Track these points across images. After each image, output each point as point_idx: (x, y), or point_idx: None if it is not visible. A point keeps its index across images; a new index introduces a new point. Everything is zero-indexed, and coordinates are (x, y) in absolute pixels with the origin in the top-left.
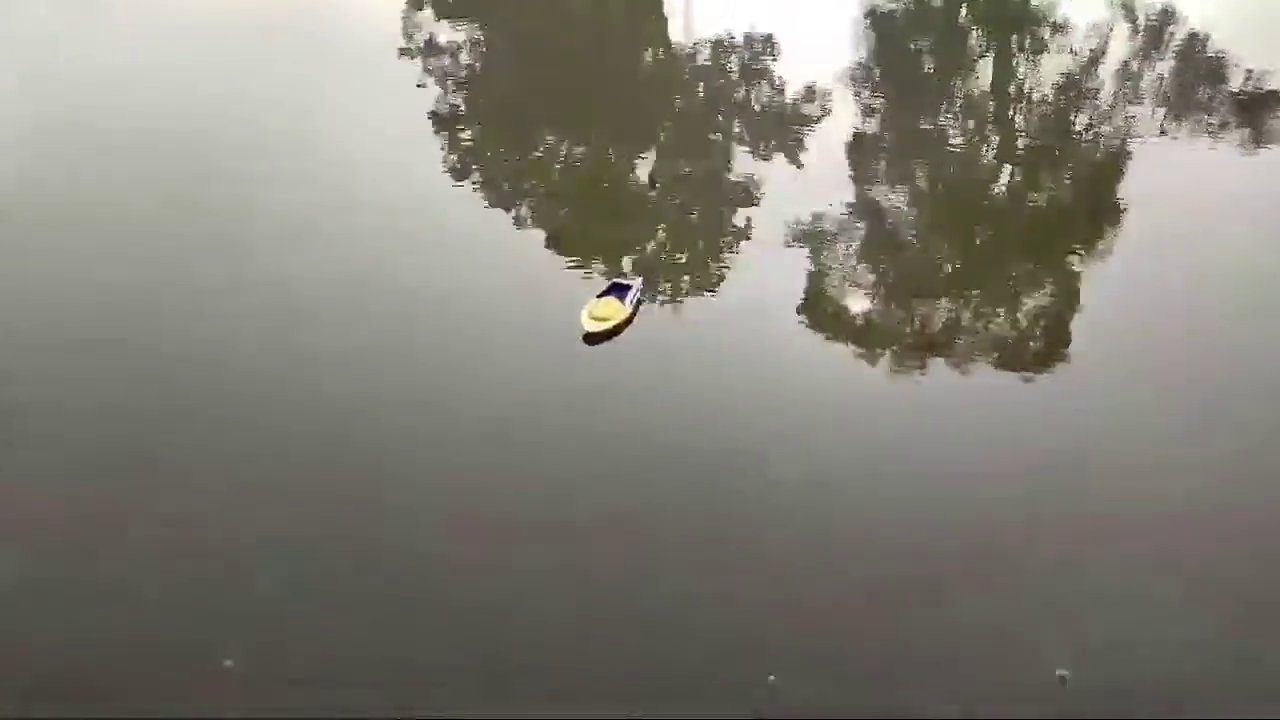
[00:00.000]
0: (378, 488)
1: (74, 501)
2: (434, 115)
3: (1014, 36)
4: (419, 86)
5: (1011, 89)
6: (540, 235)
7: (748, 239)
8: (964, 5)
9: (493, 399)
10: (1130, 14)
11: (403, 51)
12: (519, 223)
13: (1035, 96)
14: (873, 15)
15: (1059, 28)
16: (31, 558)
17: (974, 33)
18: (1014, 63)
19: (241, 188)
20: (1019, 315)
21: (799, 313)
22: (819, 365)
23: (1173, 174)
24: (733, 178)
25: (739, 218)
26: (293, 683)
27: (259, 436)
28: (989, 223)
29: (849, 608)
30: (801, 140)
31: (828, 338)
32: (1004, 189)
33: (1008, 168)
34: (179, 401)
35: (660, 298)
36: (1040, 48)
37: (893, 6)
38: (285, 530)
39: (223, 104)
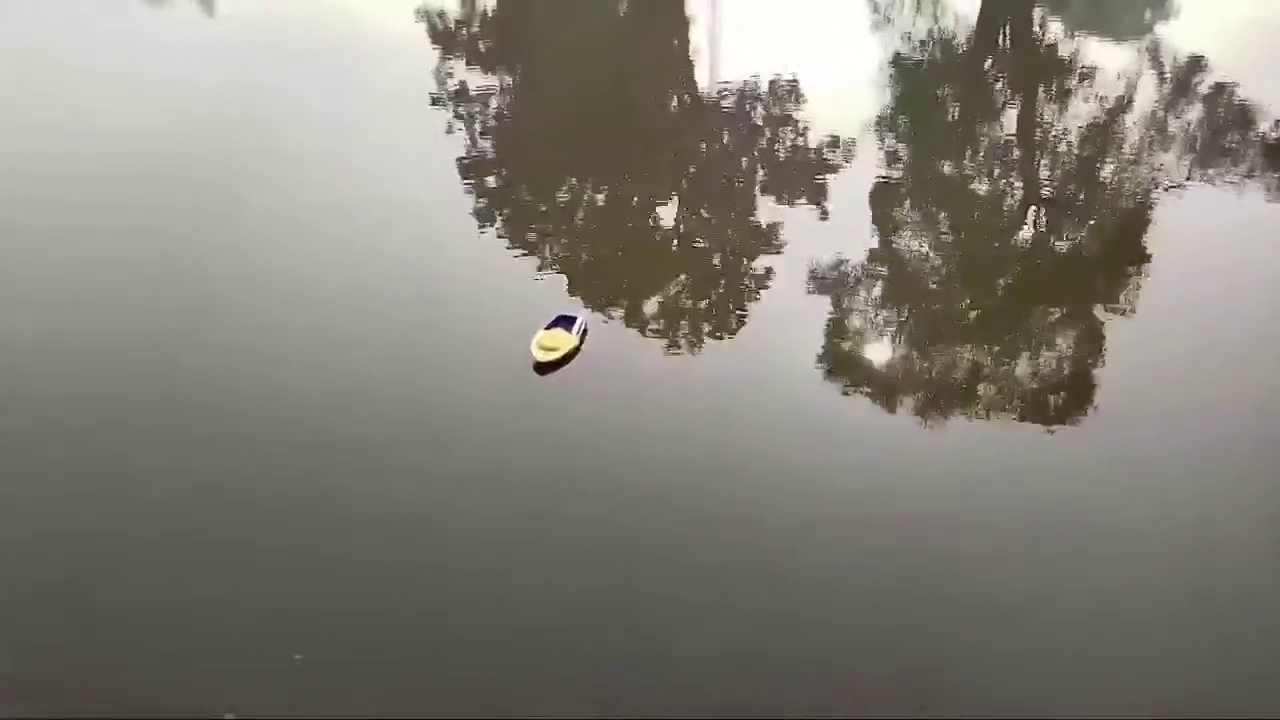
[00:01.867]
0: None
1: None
2: (459, 160)
3: (1040, 85)
4: (448, 133)
5: (1036, 136)
6: (562, 281)
7: (766, 286)
8: (989, 55)
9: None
10: (1157, 62)
11: (434, 99)
12: (543, 266)
13: (1060, 145)
14: (897, 63)
15: (1086, 75)
16: None
17: (999, 81)
18: (1039, 111)
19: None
20: (1041, 366)
21: (819, 361)
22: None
23: (1200, 222)
24: (754, 223)
25: (758, 264)
26: None
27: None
28: (1012, 272)
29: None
30: (825, 187)
31: (846, 387)
32: (1028, 237)
33: (1031, 216)
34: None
35: (615, 327)
36: (1066, 95)
37: (919, 57)
38: (221, 572)
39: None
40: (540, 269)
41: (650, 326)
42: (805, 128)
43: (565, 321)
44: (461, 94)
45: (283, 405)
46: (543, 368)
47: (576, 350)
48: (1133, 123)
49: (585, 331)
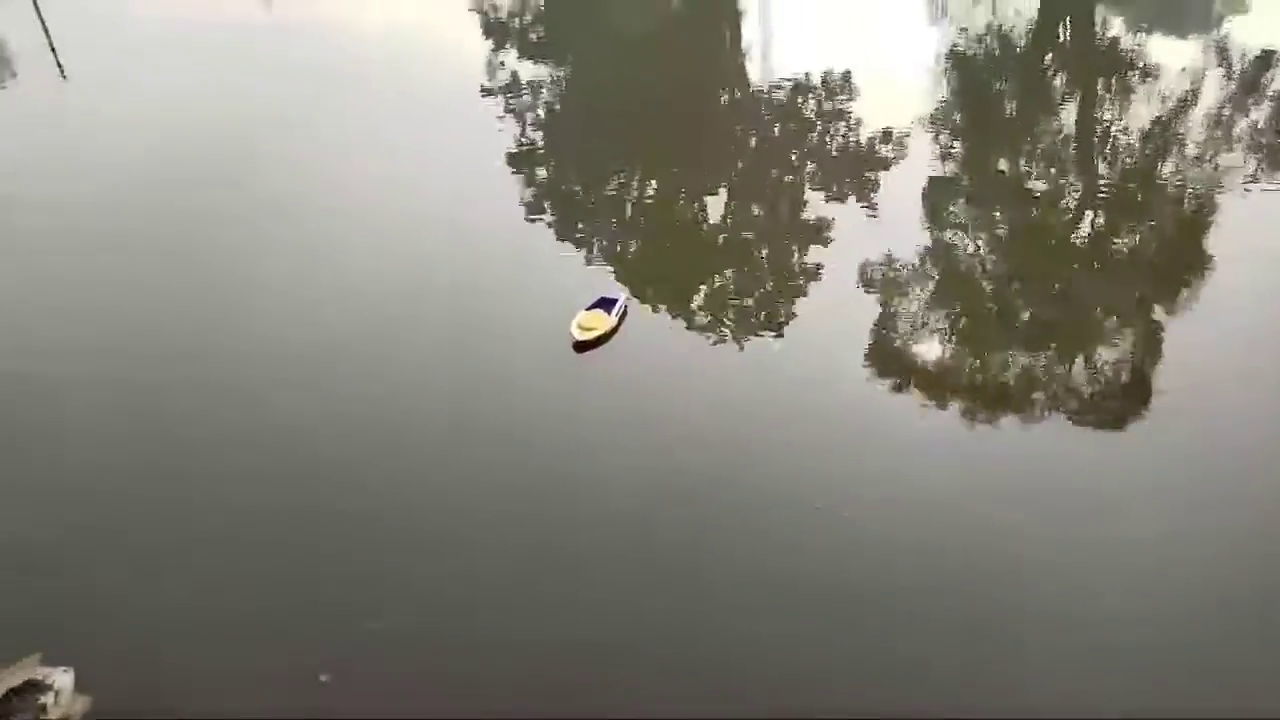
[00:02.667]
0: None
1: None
2: (509, 153)
3: (1100, 80)
4: (499, 120)
5: (1096, 134)
6: (607, 271)
7: (816, 280)
8: (1049, 49)
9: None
10: (1225, 58)
11: (485, 90)
12: (590, 259)
13: (1121, 142)
14: (954, 57)
15: (1148, 72)
16: None
17: (1059, 76)
18: (1099, 107)
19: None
20: (1097, 369)
21: (866, 358)
22: (881, 414)
23: (1266, 225)
24: (802, 217)
25: (809, 258)
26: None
27: (253, 456)
28: (1069, 271)
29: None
30: (876, 182)
31: (894, 384)
32: (1085, 237)
33: (1089, 215)
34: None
35: (649, 311)
36: (1127, 92)
37: (975, 50)
38: (274, 550)
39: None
40: (588, 256)
41: (690, 314)
42: (858, 121)
43: (606, 304)
44: (513, 86)
45: (326, 379)
46: (580, 346)
47: (614, 331)
48: (1197, 120)
49: (625, 314)
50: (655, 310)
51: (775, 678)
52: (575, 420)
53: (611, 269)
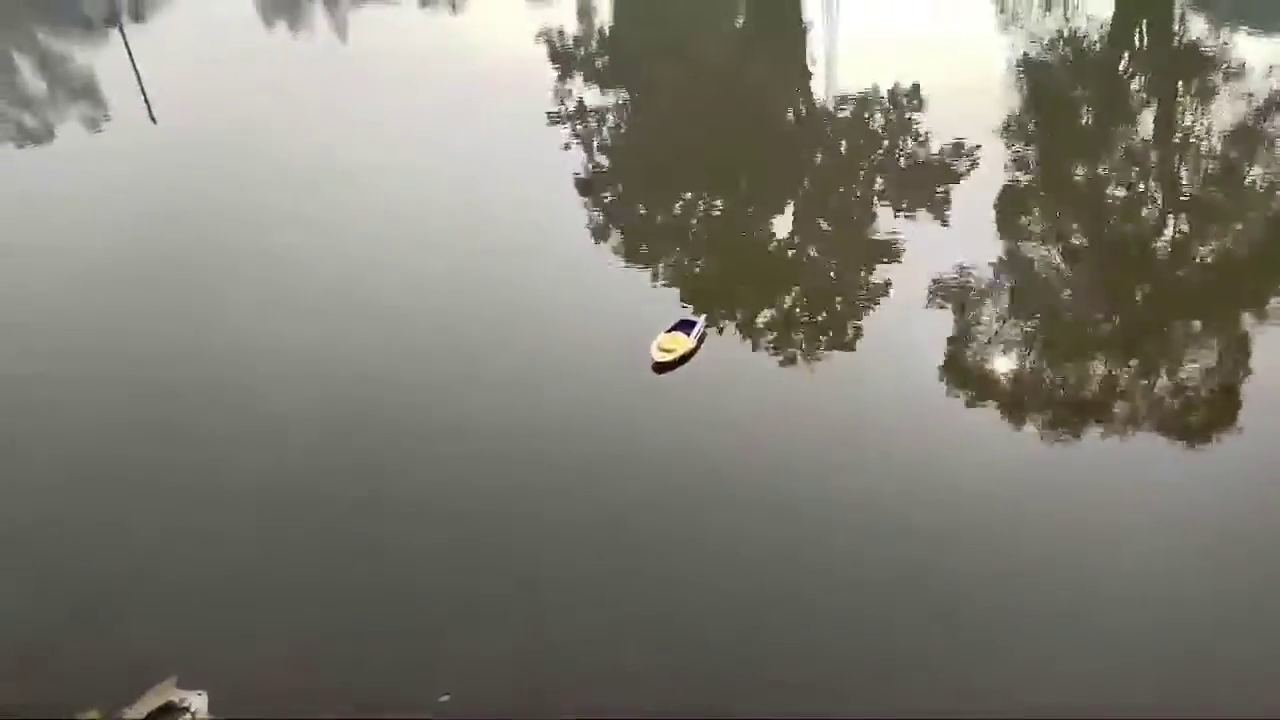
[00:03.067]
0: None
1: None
2: (577, 176)
3: (1179, 83)
4: (565, 148)
5: (1175, 139)
6: (674, 292)
7: (887, 296)
8: (1125, 52)
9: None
10: None
11: (552, 116)
12: (656, 277)
13: (1201, 147)
14: (1026, 63)
15: (1231, 73)
16: None
17: (1136, 80)
18: (1179, 111)
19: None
20: (1180, 381)
21: (941, 373)
22: (960, 428)
23: None
24: (875, 234)
25: (878, 275)
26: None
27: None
28: (1147, 281)
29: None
30: (948, 195)
31: (971, 399)
32: (1165, 245)
33: (1170, 222)
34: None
35: (728, 333)
36: (1208, 94)
37: (1048, 57)
38: (346, 566)
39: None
40: (666, 279)
41: (766, 335)
42: (928, 133)
43: (686, 326)
44: (580, 111)
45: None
46: (660, 367)
47: (693, 352)
48: None
49: (704, 336)
50: (733, 332)
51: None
52: (655, 436)
53: (687, 290)
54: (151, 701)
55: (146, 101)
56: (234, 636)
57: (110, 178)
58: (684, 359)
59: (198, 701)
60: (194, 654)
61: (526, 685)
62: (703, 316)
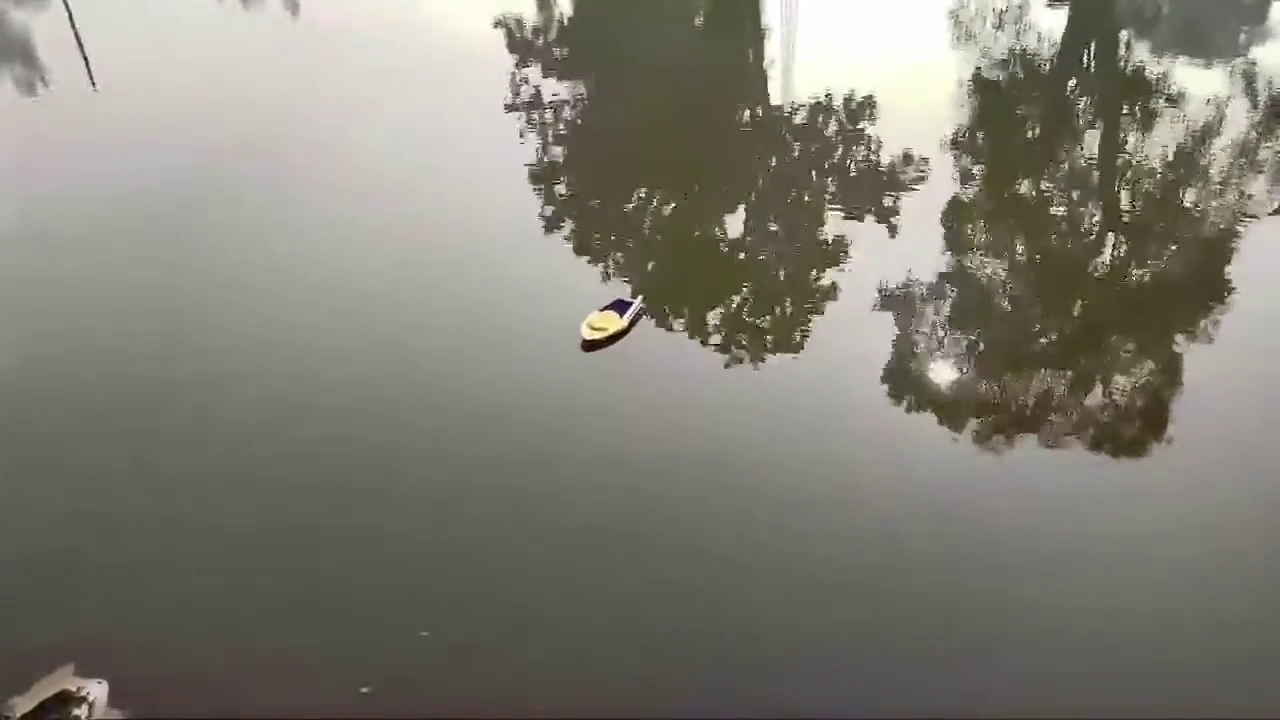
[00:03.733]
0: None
1: None
2: (529, 165)
3: (1124, 107)
4: (520, 137)
5: (1119, 161)
6: (624, 281)
7: (833, 300)
8: (1073, 75)
9: None
10: (1250, 87)
11: (508, 107)
12: (605, 277)
13: (1143, 169)
14: (977, 81)
15: (1173, 99)
16: None
17: (1082, 102)
18: (1122, 134)
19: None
20: (1113, 396)
21: (883, 379)
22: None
23: None
24: (822, 238)
25: (823, 277)
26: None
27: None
28: (1086, 297)
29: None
30: (896, 205)
31: (909, 404)
32: (1105, 263)
33: (1110, 241)
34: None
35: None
36: (1151, 120)
37: (998, 75)
38: (284, 527)
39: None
40: (606, 267)
41: (702, 325)
42: (879, 143)
43: (621, 306)
44: (535, 102)
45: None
46: (589, 345)
47: (624, 332)
48: (1221, 149)
49: (638, 318)
50: (670, 317)
51: (776, 674)
52: (574, 413)
53: (628, 279)
54: (44, 690)
55: (88, 67)
56: (140, 622)
57: (48, 143)
58: (614, 338)
59: (97, 690)
60: (95, 641)
61: (446, 675)
62: (639, 298)
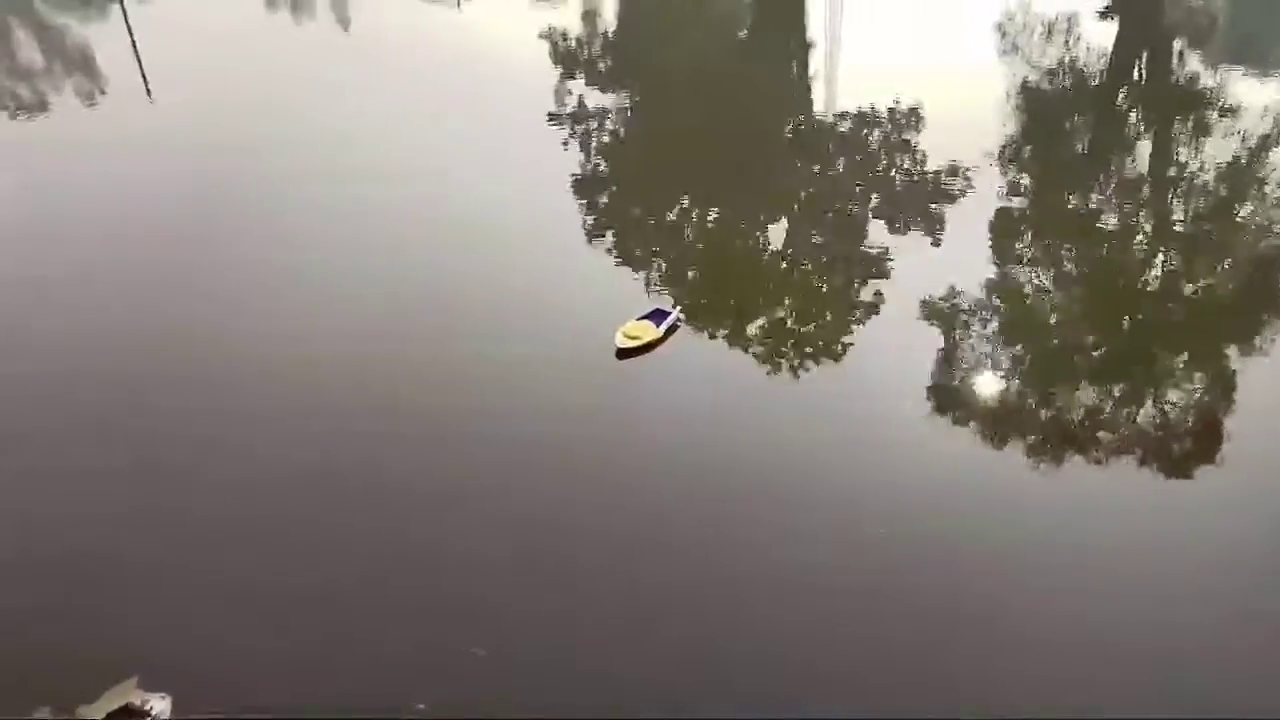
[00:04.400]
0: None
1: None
2: (574, 177)
3: (1177, 119)
4: (564, 146)
5: (1170, 173)
6: (664, 298)
7: (876, 313)
8: (1123, 85)
9: None
10: None
11: (552, 117)
12: (646, 285)
13: (1196, 181)
14: (1025, 90)
15: (1227, 110)
16: None
17: (1132, 114)
18: (1175, 146)
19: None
20: (1168, 411)
21: (929, 396)
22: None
23: None
24: (866, 250)
25: (867, 292)
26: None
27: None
28: (1135, 311)
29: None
30: (942, 216)
31: (955, 418)
32: (1157, 276)
33: (1161, 254)
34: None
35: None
36: (1204, 131)
37: (1048, 86)
38: (315, 570)
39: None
40: (647, 275)
41: (740, 335)
42: (924, 155)
43: (658, 315)
44: (579, 113)
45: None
46: (623, 353)
47: (659, 341)
48: (1276, 161)
49: (674, 328)
50: (708, 327)
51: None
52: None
53: (667, 288)
54: (110, 703)
55: (144, 78)
56: (202, 637)
57: (105, 154)
58: (648, 347)
59: (160, 704)
60: (160, 654)
61: (490, 680)
62: (676, 308)
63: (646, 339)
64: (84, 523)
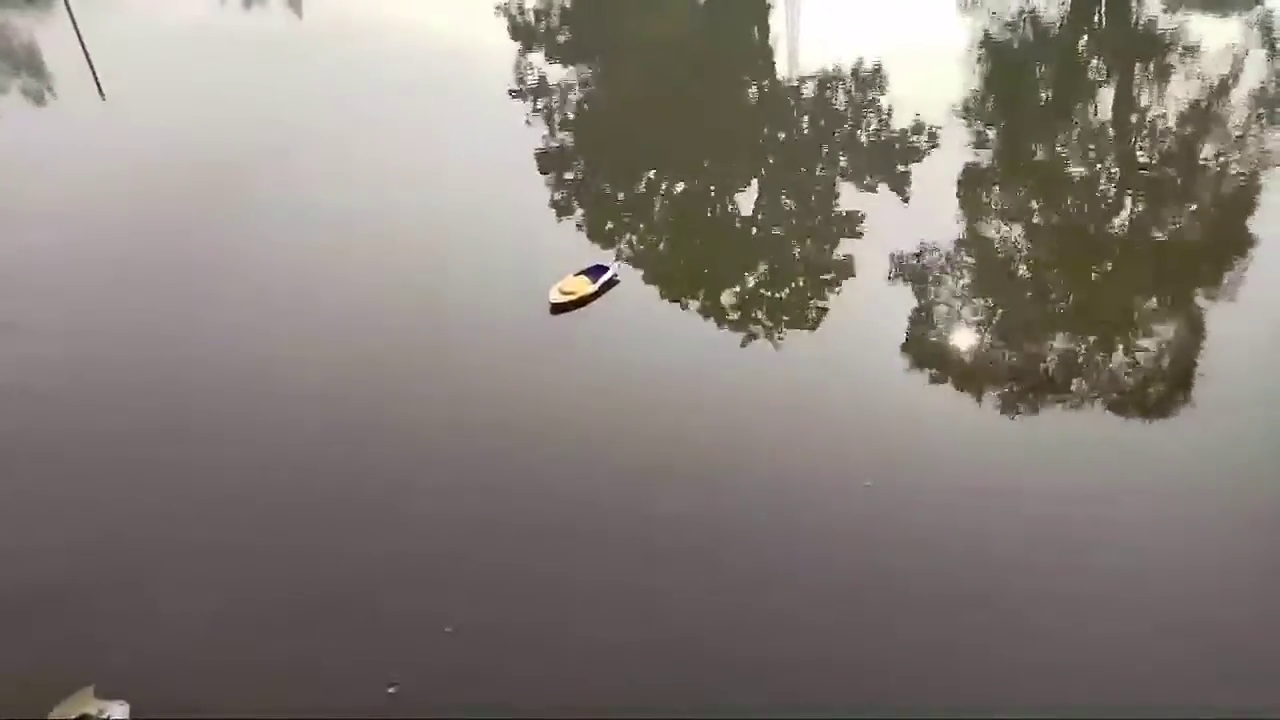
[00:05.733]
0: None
1: None
2: (539, 150)
3: (1138, 63)
4: (526, 123)
5: (1134, 118)
6: (651, 288)
7: (851, 275)
8: (1084, 31)
9: None
10: (1268, 36)
11: (513, 92)
12: (620, 255)
13: (1159, 125)
14: (986, 43)
15: (1187, 51)
16: None
17: (1094, 60)
18: (1137, 90)
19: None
20: (1136, 356)
21: (903, 350)
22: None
23: None
24: (836, 210)
25: (840, 251)
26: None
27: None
28: (1106, 258)
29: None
30: (908, 173)
31: (932, 372)
32: (1123, 223)
33: (1128, 200)
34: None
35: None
36: (1165, 74)
37: (1008, 36)
38: (251, 529)
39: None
40: (597, 238)
41: (675, 292)
42: (890, 111)
43: (597, 271)
44: (541, 86)
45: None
46: (556, 308)
47: (593, 297)
48: (1237, 102)
49: (610, 284)
50: (649, 284)
51: (748, 664)
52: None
53: (613, 247)
54: (67, 711)
55: (95, 77)
56: (159, 643)
57: (58, 154)
58: (581, 302)
59: (118, 711)
60: (115, 660)
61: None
62: (614, 264)
63: (580, 294)
64: (43, 532)
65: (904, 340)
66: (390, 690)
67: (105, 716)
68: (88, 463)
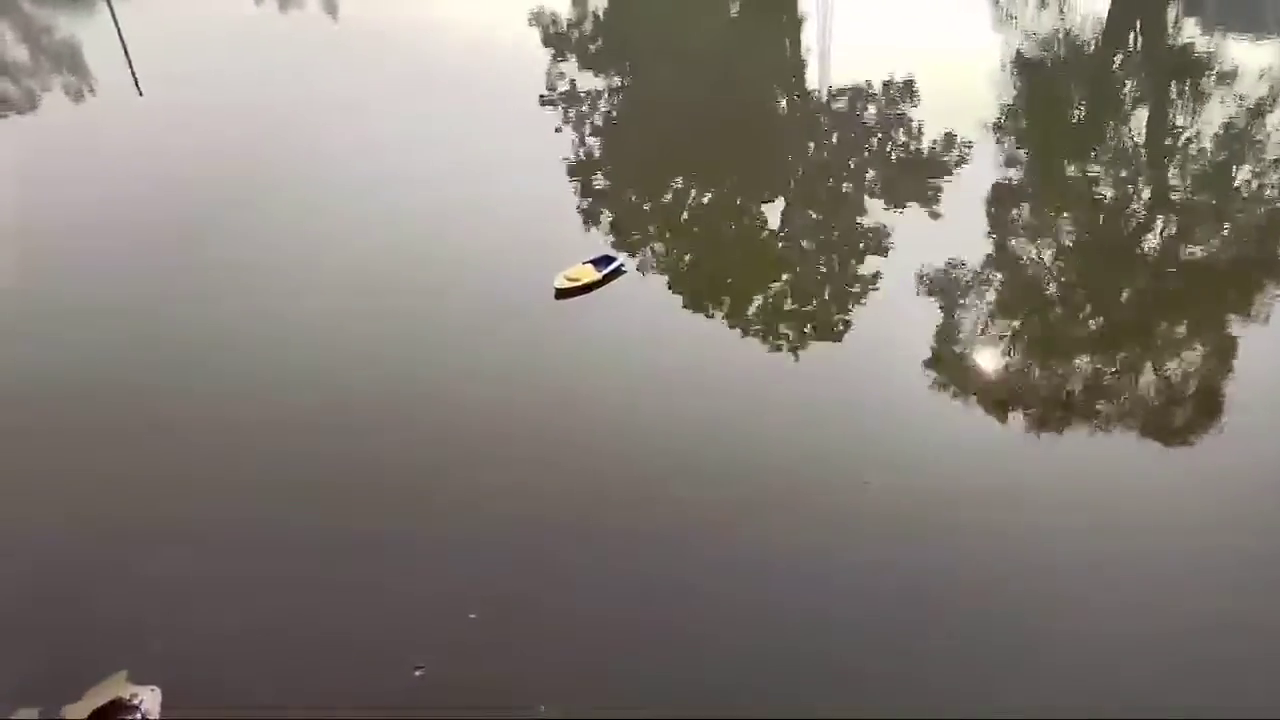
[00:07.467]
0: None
1: None
2: (568, 160)
3: (1173, 84)
4: (557, 131)
5: (1168, 140)
6: (661, 281)
7: (875, 289)
8: (1119, 53)
9: None
10: None
11: (544, 99)
12: (643, 268)
13: (1194, 148)
14: (1019, 62)
15: (1224, 76)
16: None
17: (1129, 81)
18: (1172, 112)
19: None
20: (1167, 379)
21: (927, 366)
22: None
23: None
24: (864, 225)
25: (866, 267)
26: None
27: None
28: (1134, 281)
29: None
30: (939, 189)
31: (954, 391)
32: (1155, 245)
33: (1160, 222)
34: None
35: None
36: (1201, 96)
37: (1043, 54)
38: (252, 503)
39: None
40: (610, 230)
41: (685, 291)
42: (920, 127)
43: (603, 261)
44: (571, 94)
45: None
46: (560, 293)
47: (596, 285)
48: (1273, 125)
49: (616, 273)
50: (657, 276)
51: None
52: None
53: (620, 239)
54: (98, 696)
55: (133, 73)
56: (193, 629)
57: (94, 150)
58: (586, 289)
59: (150, 698)
60: (150, 647)
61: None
62: (622, 255)
63: (584, 281)
64: (74, 514)
65: (927, 357)
66: (417, 673)
67: (137, 701)
68: (108, 441)
